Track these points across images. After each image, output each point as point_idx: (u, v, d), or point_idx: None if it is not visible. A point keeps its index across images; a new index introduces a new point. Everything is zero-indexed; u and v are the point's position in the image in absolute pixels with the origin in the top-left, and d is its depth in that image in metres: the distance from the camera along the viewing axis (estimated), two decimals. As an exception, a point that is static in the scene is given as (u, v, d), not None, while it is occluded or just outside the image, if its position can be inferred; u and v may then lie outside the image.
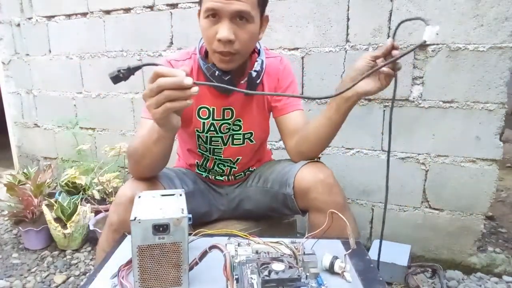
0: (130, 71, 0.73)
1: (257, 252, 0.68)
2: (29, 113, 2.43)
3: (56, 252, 1.74)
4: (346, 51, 1.54)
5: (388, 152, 0.88)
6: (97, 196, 1.83)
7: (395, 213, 1.60)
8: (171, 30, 1.85)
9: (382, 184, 1.59)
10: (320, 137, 0.98)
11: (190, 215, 0.62)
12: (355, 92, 0.86)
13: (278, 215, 1.20)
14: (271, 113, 1.12)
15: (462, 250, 1.52)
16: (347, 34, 1.53)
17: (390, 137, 0.88)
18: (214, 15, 0.87)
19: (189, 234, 0.66)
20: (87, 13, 2.04)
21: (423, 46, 1.42)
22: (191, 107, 1.03)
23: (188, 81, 0.66)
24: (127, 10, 1.93)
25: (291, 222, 1.27)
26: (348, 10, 1.51)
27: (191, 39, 1.80)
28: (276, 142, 1.75)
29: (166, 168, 1.06)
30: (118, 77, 0.73)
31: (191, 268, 0.64)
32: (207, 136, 1.07)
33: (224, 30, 0.86)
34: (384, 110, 1.53)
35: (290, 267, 0.58)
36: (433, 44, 1.41)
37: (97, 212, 1.81)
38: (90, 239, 1.78)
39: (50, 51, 2.22)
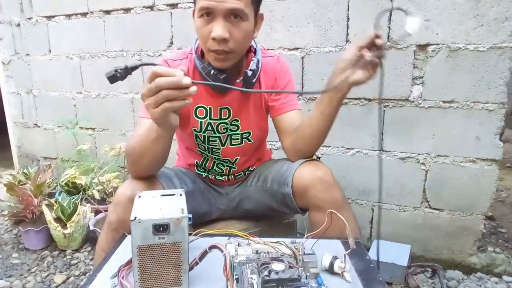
0: (127, 71, 0.73)
1: (257, 252, 0.68)
2: (29, 113, 2.43)
3: (56, 252, 1.74)
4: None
5: (380, 142, 0.88)
6: (97, 196, 1.83)
7: (395, 213, 1.60)
8: (171, 30, 1.85)
9: (382, 184, 1.59)
10: (315, 132, 0.98)
11: (190, 215, 0.62)
12: (346, 83, 0.86)
13: (277, 214, 1.20)
14: (269, 112, 1.12)
15: (462, 250, 1.52)
16: (347, 34, 1.53)
17: (382, 126, 0.88)
18: (208, 14, 0.87)
19: (189, 234, 0.66)
20: (87, 13, 2.04)
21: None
22: (188, 107, 1.02)
23: (187, 80, 0.67)
24: (127, 10, 1.93)
25: (291, 222, 1.27)
26: (348, 10, 1.51)
27: (191, 39, 1.78)
28: (276, 142, 1.75)
29: (165, 168, 1.06)
30: (115, 77, 0.73)
31: (191, 268, 0.64)
32: (204, 136, 1.07)
33: (218, 28, 0.86)
34: (384, 110, 1.53)
35: (290, 267, 0.58)
36: (433, 44, 1.41)
37: (97, 212, 1.81)
38: (90, 239, 1.78)
39: (50, 51, 2.22)
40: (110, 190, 1.81)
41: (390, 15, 1.45)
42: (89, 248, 1.77)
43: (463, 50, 1.38)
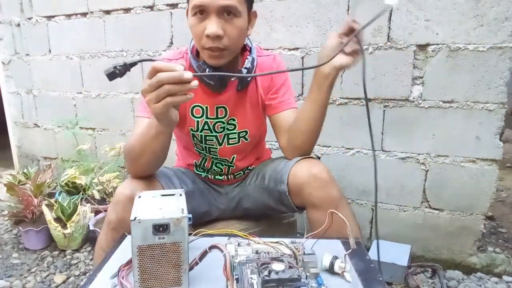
0: (126, 67, 0.73)
1: (257, 252, 0.68)
2: (29, 113, 2.43)
3: (56, 252, 1.74)
4: (346, 51, 1.54)
5: (371, 134, 0.89)
6: (97, 196, 1.83)
7: (395, 213, 1.60)
8: (171, 30, 1.85)
9: (382, 184, 1.60)
10: (309, 124, 0.98)
11: (190, 215, 0.62)
12: (332, 67, 0.87)
13: (275, 213, 1.20)
14: (266, 112, 1.11)
15: (462, 250, 1.52)
16: (347, 34, 1.53)
17: (369, 115, 0.90)
18: (202, 11, 0.88)
19: (189, 234, 0.66)
20: (87, 13, 2.04)
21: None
22: (184, 106, 1.04)
23: (188, 75, 0.67)
24: (127, 10, 1.93)
25: (291, 222, 1.27)
26: (348, 10, 1.51)
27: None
28: (276, 142, 1.74)
29: (164, 167, 1.07)
30: (114, 74, 0.73)
31: (191, 268, 0.64)
32: (201, 135, 1.07)
33: (212, 25, 0.87)
34: (384, 110, 1.53)
35: (290, 267, 0.58)
36: (433, 44, 1.41)
37: (97, 212, 1.81)
38: (90, 239, 1.78)
39: (50, 51, 2.22)
40: (110, 190, 1.81)
41: (390, 15, 1.45)
42: (89, 248, 1.77)
43: (463, 50, 1.38)
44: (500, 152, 1.40)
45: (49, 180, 1.95)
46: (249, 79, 1.02)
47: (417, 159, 1.52)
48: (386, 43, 1.47)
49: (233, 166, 1.13)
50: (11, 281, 1.51)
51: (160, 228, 0.60)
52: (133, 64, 0.74)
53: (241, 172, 1.17)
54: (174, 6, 1.81)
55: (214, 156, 1.11)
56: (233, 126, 1.07)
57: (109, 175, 1.83)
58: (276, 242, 0.69)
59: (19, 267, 1.63)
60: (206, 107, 1.04)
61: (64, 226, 1.70)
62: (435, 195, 1.52)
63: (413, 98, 1.48)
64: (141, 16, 1.90)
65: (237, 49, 0.97)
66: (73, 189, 1.89)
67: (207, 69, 0.96)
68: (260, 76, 1.06)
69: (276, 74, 1.08)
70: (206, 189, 1.17)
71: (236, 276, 0.60)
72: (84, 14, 2.05)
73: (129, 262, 0.67)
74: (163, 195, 0.72)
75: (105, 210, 1.76)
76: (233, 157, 1.12)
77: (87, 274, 1.56)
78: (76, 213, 1.71)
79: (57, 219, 1.72)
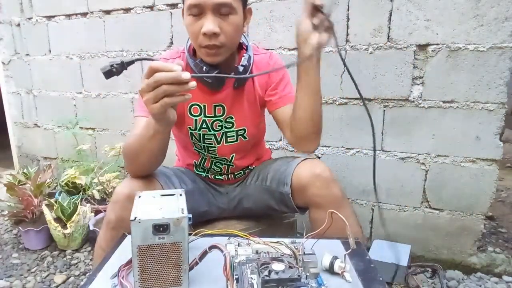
0: (123, 66, 0.73)
1: (257, 252, 0.68)
2: (29, 113, 2.43)
3: (56, 252, 1.74)
4: (346, 51, 1.54)
5: (372, 128, 0.88)
6: (97, 196, 1.83)
7: (395, 213, 1.60)
8: (171, 30, 1.85)
9: (382, 184, 1.60)
10: (307, 111, 0.95)
11: (190, 215, 0.62)
12: (313, 48, 0.85)
13: (276, 213, 1.20)
14: (266, 108, 1.11)
15: (462, 250, 1.52)
16: (347, 34, 1.53)
17: (365, 104, 0.89)
18: (197, 10, 0.89)
19: (189, 234, 0.66)
20: (87, 13, 2.04)
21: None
22: (182, 105, 1.04)
23: (186, 75, 0.67)
24: (127, 10, 1.93)
25: (291, 222, 1.27)
26: (348, 10, 1.51)
27: (191, 39, 1.80)
28: (276, 142, 1.75)
29: (164, 167, 1.07)
30: (110, 72, 0.73)
31: (191, 268, 0.64)
32: (200, 134, 1.07)
33: (208, 23, 0.88)
34: (384, 110, 1.53)
35: (290, 267, 0.58)
36: (433, 44, 1.41)
37: (97, 212, 1.81)
38: (90, 239, 1.78)
39: (50, 51, 2.22)
40: (110, 190, 1.81)
41: (390, 15, 1.45)
42: (89, 248, 1.76)
43: (463, 50, 1.38)
44: (500, 152, 1.40)
45: (49, 180, 1.95)
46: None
47: (417, 159, 1.52)
48: (386, 43, 1.47)
49: (232, 165, 1.13)
50: (11, 281, 1.51)
51: (160, 228, 0.60)
52: (130, 62, 0.73)
53: (241, 171, 1.17)
54: (174, 6, 1.81)
55: (213, 155, 1.11)
56: (231, 124, 1.08)
57: (109, 175, 1.83)
58: (276, 242, 0.69)
59: (19, 267, 1.63)
60: (204, 106, 1.04)
61: (64, 226, 1.70)
62: (435, 195, 1.52)
63: (413, 98, 1.48)
64: (141, 16, 1.90)
65: (233, 46, 0.98)
66: (73, 189, 1.89)
67: (204, 67, 0.96)
68: (257, 71, 1.06)
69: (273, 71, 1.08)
70: (206, 188, 1.17)
71: (236, 276, 0.60)
72: (84, 14, 2.05)
73: (129, 262, 0.67)
74: (163, 195, 0.72)
75: (105, 210, 1.76)
76: (232, 156, 1.12)
77: (87, 274, 1.56)
78: (76, 213, 1.71)
79: (57, 219, 1.72)
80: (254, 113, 1.10)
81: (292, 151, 1.72)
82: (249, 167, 1.18)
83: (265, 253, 0.67)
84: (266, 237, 0.73)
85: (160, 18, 1.85)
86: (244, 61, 1.01)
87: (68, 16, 2.10)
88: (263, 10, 1.63)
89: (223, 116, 1.06)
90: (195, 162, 1.15)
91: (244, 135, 1.10)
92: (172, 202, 0.68)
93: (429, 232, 1.55)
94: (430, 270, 1.48)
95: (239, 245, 0.71)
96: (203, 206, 1.13)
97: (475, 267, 1.51)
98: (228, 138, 1.09)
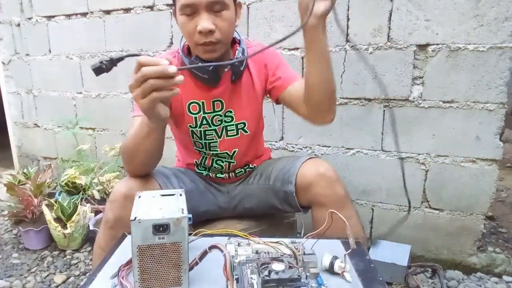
0: (112, 63, 0.73)
1: (257, 252, 0.68)
2: (29, 113, 2.43)
3: (56, 252, 1.74)
4: (346, 51, 1.54)
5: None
6: (97, 196, 1.83)
7: (395, 213, 1.60)
8: (171, 30, 1.85)
9: (382, 184, 1.60)
10: (320, 79, 0.92)
11: (190, 215, 0.62)
12: (317, 17, 0.82)
13: (279, 213, 1.20)
14: (272, 97, 1.10)
15: (462, 250, 1.52)
16: (347, 34, 1.53)
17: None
18: (191, 9, 0.90)
19: (189, 234, 0.66)
20: (87, 13, 2.04)
21: None
22: (181, 104, 1.05)
23: (172, 69, 0.67)
24: (127, 10, 1.93)
25: (291, 222, 1.27)
26: (348, 10, 1.51)
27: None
28: (276, 142, 1.75)
29: (163, 167, 1.08)
30: (100, 69, 0.73)
31: (191, 268, 0.64)
32: (200, 131, 1.07)
33: (203, 21, 0.89)
34: (384, 110, 1.53)
35: (290, 267, 0.58)
36: (433, 44, 1.41)
37: (97, 212, 1.81)
38: (90, 239, 1.78)
39: (50, 51, 2.22)
40: (110, 190, 1.81)
41: (390, 15, 1.45)
42: (89, 248, 1.76)
43: (463, 50, 1.38)
44: (500, 152, 1.40)
45: (49, 180, 1.95)
46: (242, 68, 1.03)
47: (417, 159, 1.52)
48: (386, 43, 1.47)
49: (233, 162, 1.13)
50: (11, 281, 1.51)
51: (160, 228, 0.60)
52: (120, 59, 0.73)
53: (242, 170, 1.17)
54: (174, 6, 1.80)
55: (214, 152, 1.11)
56: (230, 118, 1.08)
57: (109, 175, 1.83)
58: (276, 242, 0.69)
59: (19, 267, 1.63)
60: (203, 102, 1.05)
61: (64, 226, 1.70)
62: (435, 195, 1.52)
63: (413, 98, 1.48)
64: (141, 16, 1.90)
65: (228, 40, 0.99)
66: (73, 189, 1.89)
67: (200, 64, 0.97)
68: (253, 64, 1.07)
69: (268, 60, 1.08)
70: (206, 188, 1.17)
71: (236, 276, 0.60)
72: (84, 14, 2.05)
73: (129, 262, 0.67)
74: (163, 195, 0.72)
75: (104, 210, 1.77)
76: (234, 151, 1.12)
77: (87, 274, 1.56)
78: (76, 213, 1.71)
79: (57, 219, 1.72)
80: (253, 106, 1.10)
81: (292, 151, 1.73)
82: (250, 166, 1.18)
83: (265, 253, 0.67)
84: (266, 237, 0.73)
85: (160, 18, 1.85)
86: (238, 54, 1.02)
87: (68, 16, 2.10)
88: (263, 10, 1.63)
89: (222, 111, 1.06)
90: (195, 161, 1.15)
91: (245, 128, 1.10)
92: (172, 202, 0.68)
93: (429, 232, 1.55)
94: (430, 270, 1.48)
95: (239, 245, 0.71)
96: (202, 206, 1.13)
97: (475, 267, 1.51)
98: (229, 132, 1.09)
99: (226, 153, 1.12)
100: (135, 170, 0.96)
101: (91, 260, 1.67)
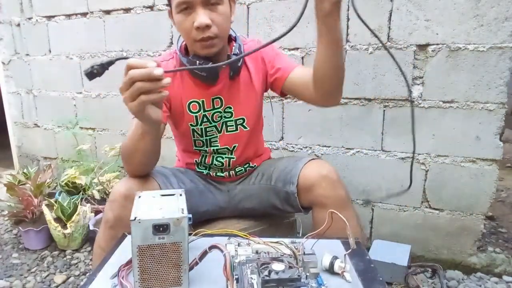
0: (103, 67, 0.73)
1: (257, 252, 0.68)
2: (29, 113, 2.43)
3: (56, 252, 1.74)
4: (346, 51, 1.54)
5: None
6: (97, 196, 1.83)
7: (395, 213, 1.60)
8: (171, 30, 1.85)
9: (382, 184, 1.60)
10: (333, 65, 0.91)
11: (190, 215, 0.62)
12: (332, 3, 0.79)
13: (280, 213, 1.20)
14: (276, 89, 1.11)
15: (462, 250, 1.52)
16: (347, 34, 1.53)
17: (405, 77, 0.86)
18: (187, 7, 0.91)
19: (189, 234, 0.66)
20: (87, 13, 2.04)
21: None
22: (181, 103, 1.05)
23: (158, 71, 0.67)
24: (127, 10, 1.93)
25: (291, 222, 1.27)
26: (348, 10, 1.51)
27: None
28: (276, 142, 1.75)
29: (162, 167, 1.08)
30: (92, 74, 0.73)
31: (191, 268, 0.64)
32: (201, 128, 1.08)
33: (200, 17, 0.90)
34: (384, 110, 1.53)
35: (290, 267, 0.58)
36: (433, 44, 1.41)
37: (97, 212, 1.81)
38: (90, 239, 1.78)
39: (50, 51, 2.22)
40: (110, 190, 1.81)
41: (390, 15, 1.45)
42: (89, 248, 1.76)
43: (463, 50, 1.38)
44: (500, 152, 1.40)
45: (49, 180, 1.95)
46: (239, 64, 1.04)
47: (417, 159, 1.52)
48: (386, 43, 1.47)
49: (234, 157, 1.13)
50: (11, 281, 1.51)
51: (160, 228, 0.60)
52: (110, 63, 0.74)
53: (242, 168, 1.17)
54: (174, 6, 1.80)
55: (215, 148, 1.12)
56: (230, 114, 1.09)
57: (109, 175, 1.84)
58: (276, 242, 0.69)
59: (19, 267, 1.63)
60: (202, 101, 1.06)
61: (64, 226, 1.70)
62: (435, 195, 1.52)
63: (413, 98, 1.48)
64: (141, 16, 1.90)
65: (225, 35, 1.00)
66: (73, 189, 1.89)
67: (197, 62, 0.98)
68: (250, 60, 1.08)
69: (265, 54, 1.09)
70: (206, 188, 1.17)
71: (236, 276, 0.60)
72: (84, 14, 2.05)
73: (129, 262, 0.67)
74: (163, 195, 0.72)
75: (104, 210, 1.77)
76: (234, 146, 1.12)
77: (87, 274, 1.56)
78: (76, 213, 1.71)
79: (57, 219, 1.72)
80: (252, 102, 1.11)
81: (292, 151, 1.72)
82: (250, 164, 1.18)
83: (265, 253, 0.67)
84: (266, 237, 0.73)
85: (160, 18, 1.85)
86: (235, 49, 1.03)
87: (68, 16, 2.10)
88: (263, 10, 1.63)
89: (221, 107, 1.07)
90: (196, 160, 1.16)
91: (244, 124, 1.11)
92: (172, 202, 0.68)
93: (429, 232, 1.55)
94: (430, 270, 1.48)
95: (239, 245, 0.71)
96: (202, 206, 1.13)
97: (475, 267, 1.51)
98: (228, 128, 1.10)
99: (226, 148, 1.12)
100: (134, 170, 0.96)
101: (91, 260, 1.67)
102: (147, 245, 0.60)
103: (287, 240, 0.70)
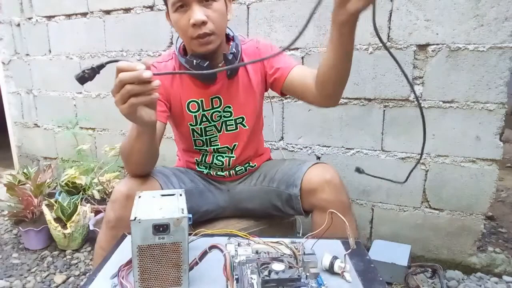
0: (94, 71, 0.73)
1: (257, 252, 0.68)
2: (29, 113, 2.43)
3: (56, 252, 1.74)
4: (346, 51, 1.54)
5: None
6: (97, 196, 1.83)
7: (395, 213, 1.60)
8: (171, 30, 1.85)
9: (382, 184, 1.60)
10: (340, 70, 0.92)
11: (190, 215, 0.62)
12: (347, 13, 0.79)
13: (281, 214, 1.20)
14: (276, 89, 1.11)
15: (462, 250, 1.52)
16: (347, 34, 1.53)
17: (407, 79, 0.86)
18: (182, 5, 0.93)
19: (189, 234, 0.66)
20: (87, 13, 2.04)
21: None
22: (180, 103, 1.06)
23: (147, 74, 0.67)
24: (127, 10, 1.93)
25: (291, 222, 1.27)
26: (348, 10, 1.51)
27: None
28: (276, 142, 1.75)
29: (163, 167, 1.09)
30: (83, 78, 0.73)
31: (191, 268, 0.64)
32: (201, 128, 1.09)
33: (195, 13, 0.91)
34: (384, 110, 1.53)
35: (290, 267, 0.58)
36: (433, 44, 1.41)
37: (97, 212, 1.81)
38: (90, 239, 1.78)
39: (50, 51, 2.22)
40: (110, 190, 1.81)
41: (390, 15, 1.45)
42: (89, 248, 1.76)
43: (463, 50, 1.38)
44: (500, 152, 1.40)
45: (49, 180, 1.95)
46: (236, 62, 1.03)
47: (417, 159, 1.52)
48: (386, 43, 1.47)
49: (234, 156, 1.14)
50: (11, 281, 1.51)
51: (160, 228, 0.60)
52: (101, 66, 0.74)
53: (242, 168, 1.17)
54: (174, 6, 1.80)
55: (215, 147, 1.12)
56: (229, 113, 1.09)
57: (109, 175, 1.84)
58: (276, 242, 0.69)
59: (19, 267, 1.63)
60: (201, 101, 1.06)
61: (64, 226, 1.70)
62: (435, 195, 1.52)
63: (413, 98, 1.48)
64: (141, 16, 1.90)
65: (222, 32, 1.00)
66: (73, 189, 1.89)
67: (195, 61, 0.98)
68: (248, 60, 1.08)
69: (264, 52, 1.09)
70: (206, 187, 1.17)
71: (236, 276, 0.60)
72: (84, 14, 2.05)
73: (129, 262, 0.67)
74: (163, 195, 0.72)
75: (105, 210, 1.76)
76: (234, 145, 1.13)
77: (87, 274, 1.56)
78: (76, 213, 1.71)
79: (57, 219, 1.72)
80: (251, 101, 1.11)
81: (291, 151, 1.72)
82: (250, 164, 1.18)
83: (265, 253, 0.67)
84: (266, 237, 0.73)
85: (160, 18, 1.85)
86: (232, 48, 1.03)
87: (68, 16, 2.10)
88: (263, 10, 1.63)
89: (220, 107, 1.08)
90: (196, 159, 1.16)
91: (243, 123, 1.11)
92: (172, 202, 0.68)
93: (429, 232, 1.55)
94: (430, 270, 1.48)
95: (239, 245, 0.71)
96: (202, 206, 1.13)
97: (475, 267, 1.51)
98: (228, 127, 1.11)
99: (227, 147, 1.12)
100: (133, 170, 0.96)
101: (91, 260, 1.67)
102: (147, 245, 0.60)
103: (287, 240, 0.70)
